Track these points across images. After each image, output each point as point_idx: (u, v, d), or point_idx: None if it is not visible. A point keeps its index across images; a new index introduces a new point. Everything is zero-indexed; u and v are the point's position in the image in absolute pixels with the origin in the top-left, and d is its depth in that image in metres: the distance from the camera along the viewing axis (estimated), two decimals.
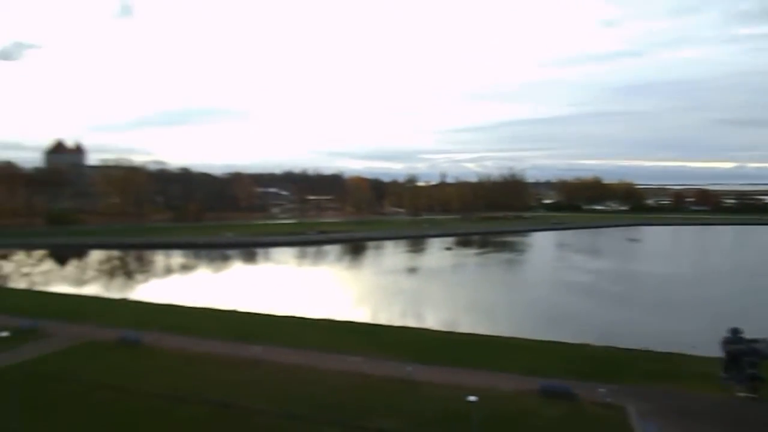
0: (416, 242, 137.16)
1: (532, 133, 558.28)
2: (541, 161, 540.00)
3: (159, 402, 29.97)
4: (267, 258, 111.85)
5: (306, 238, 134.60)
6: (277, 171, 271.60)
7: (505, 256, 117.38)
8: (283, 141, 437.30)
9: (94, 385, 32.46)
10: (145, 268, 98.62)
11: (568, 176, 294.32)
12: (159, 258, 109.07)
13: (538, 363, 37.04)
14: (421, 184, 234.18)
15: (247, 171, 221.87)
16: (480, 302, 68.96)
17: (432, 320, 55.62)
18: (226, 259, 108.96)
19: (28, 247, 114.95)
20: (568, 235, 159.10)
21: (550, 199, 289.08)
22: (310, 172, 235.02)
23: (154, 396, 30.72)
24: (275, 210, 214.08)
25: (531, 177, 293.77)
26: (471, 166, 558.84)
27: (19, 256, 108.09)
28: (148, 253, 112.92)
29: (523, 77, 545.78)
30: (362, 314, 57.44)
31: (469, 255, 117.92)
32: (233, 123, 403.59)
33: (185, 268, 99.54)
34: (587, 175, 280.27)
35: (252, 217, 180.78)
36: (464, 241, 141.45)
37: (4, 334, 31.47)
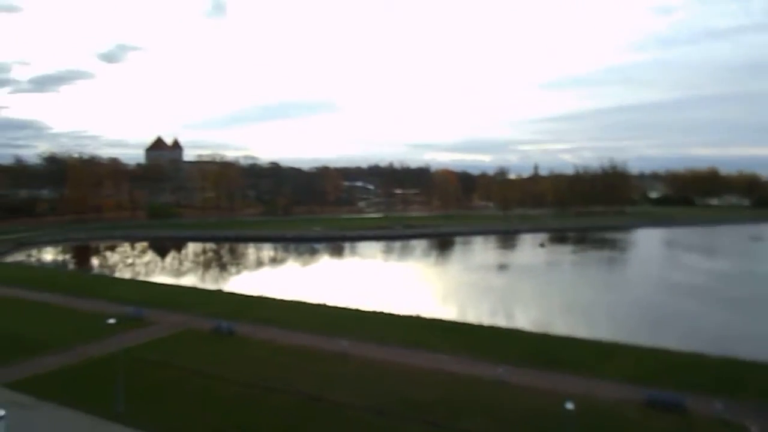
0: (507, 238, 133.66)
1: (636, 121, 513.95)
2: (647, 151, 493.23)
3: (251, 390, 30.59)
4: (354, 252, 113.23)
5: (392, 232, 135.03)
6: (364, 164, 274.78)
7: (604, 254, 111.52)
8: (370, 134, 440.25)
9: (192, 371, 33.73)
10: (237, 261, 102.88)
11: (679, 167, 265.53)
12: (250, 251, 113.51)
13: (643, 370, 34.19)
14: (512, 176, 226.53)
15: (334, 165, 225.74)
16: (576, 302, 65.53)
17: (524, 320, 53.29)
18: (314, 252, 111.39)
19: (132, 239, 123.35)
20: (678, 233, 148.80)
21: (657, 192, 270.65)
22: (397, 165, 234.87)
23: (246, 385, 31.40)
24: (361, 204, 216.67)
25: (635, 168, 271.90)
26: (567, 157, 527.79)
27: (124, 247, 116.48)
28: (240, 246, 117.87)
29: (624, 60, 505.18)
30: (450, 312, 56.14)
31: (565, 252, 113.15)
32: (322, 117, 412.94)
33: (275, 260, 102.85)
34: (701, 166, 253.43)
35: (339, 211, 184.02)
36: (559, 238, 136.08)
37: (112, 321, 33.36)
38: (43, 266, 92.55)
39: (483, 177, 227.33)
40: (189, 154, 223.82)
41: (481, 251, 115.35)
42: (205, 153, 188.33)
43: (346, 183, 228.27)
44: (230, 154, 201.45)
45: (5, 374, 32.69)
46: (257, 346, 39.33)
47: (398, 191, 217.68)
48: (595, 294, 71.46)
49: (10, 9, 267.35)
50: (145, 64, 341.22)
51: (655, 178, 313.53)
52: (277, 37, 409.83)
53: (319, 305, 54.00)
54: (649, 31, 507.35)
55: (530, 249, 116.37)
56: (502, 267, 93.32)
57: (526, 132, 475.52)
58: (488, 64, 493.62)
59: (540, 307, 62.44)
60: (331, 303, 54.71)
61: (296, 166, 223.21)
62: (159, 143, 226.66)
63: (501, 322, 51.19)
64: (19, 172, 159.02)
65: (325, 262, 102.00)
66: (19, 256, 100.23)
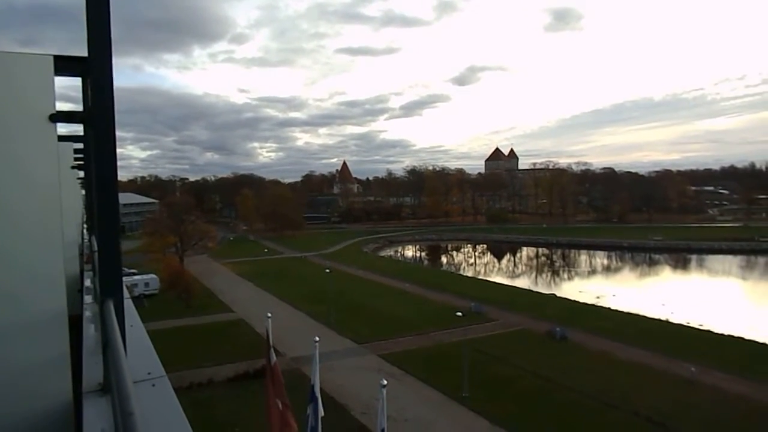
0: None
1: None
2: None
3: (588, 401, 30.94)
4: (701, 265, 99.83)
5: (755, 245, 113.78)
6: (715, 167, 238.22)
7: None
8: (721, 134, 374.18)
9: (528, 371, 35.93)
10: (569, 267, 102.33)
11: None
12: (582, 257, 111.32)
13: None
14: None
15: (678, 168, 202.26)
16: None
17: None
18: (652, 263, 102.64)
19: (473, 241, 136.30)
20: None
21: None
22: (760, 165, 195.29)
23: (582, 394, 31.86)
24: (713, 212, 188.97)
25: None
26: None
27: (467, 248, 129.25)
28: (572, 252, 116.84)
29: None
30: None
31: None
32: (661, 117, 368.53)
33: (609, 269, 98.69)
34: None
35: (684, 220, 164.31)
36: None
37: (459, 314, 38.23)
38: (404, 260, 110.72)
39: None
40: (524, 163, 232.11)
41: None
42: (539, 161, 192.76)
43: (693, 188, 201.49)
44: (563, 161, 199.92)
45: (385, 346, 41.04)
46: (591, 356, 39.21)
47: (762, 197, 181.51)
48: None
49: (390, 51, 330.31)
50: (488, 83, 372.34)
51: None
52: (613, 40, 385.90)
53: (658, 320, 50.26)
54: None
55: None
56: None
57: None
58: None
59: None
60: (673, 320, 50.18)
61: (633, 170, 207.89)
62: (497, 154, 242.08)
63: None
64: (389, 183, 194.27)
65: (665, 274, 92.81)
66: (389, 251, 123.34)
